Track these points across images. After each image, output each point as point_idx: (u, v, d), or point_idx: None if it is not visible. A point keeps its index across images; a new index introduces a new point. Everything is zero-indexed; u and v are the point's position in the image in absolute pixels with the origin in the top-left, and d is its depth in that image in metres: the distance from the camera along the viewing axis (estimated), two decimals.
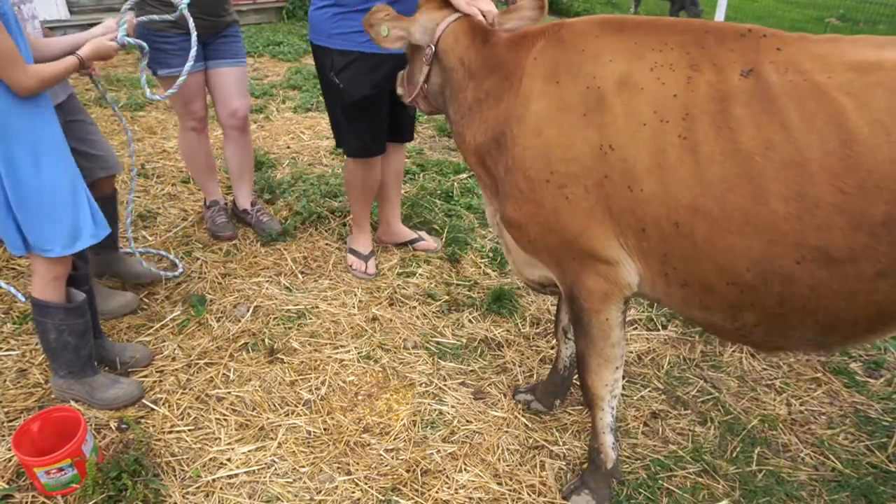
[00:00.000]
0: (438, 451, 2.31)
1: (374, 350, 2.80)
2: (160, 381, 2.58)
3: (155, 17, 2.55)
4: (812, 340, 1.66)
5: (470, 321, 3.03)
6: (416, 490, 2.16)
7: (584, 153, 1.69)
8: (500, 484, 2.19)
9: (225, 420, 2.41)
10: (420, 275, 3.35)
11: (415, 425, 2.42)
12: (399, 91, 2.42)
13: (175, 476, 2.17)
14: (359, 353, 2.77)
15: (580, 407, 2.53)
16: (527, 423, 2.46)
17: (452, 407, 2.52)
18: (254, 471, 2.21)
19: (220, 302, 3.05)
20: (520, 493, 2.16)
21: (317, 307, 3.05)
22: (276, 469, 2.22)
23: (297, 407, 2.49)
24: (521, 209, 1.87)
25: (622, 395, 2.53)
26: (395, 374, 2.68)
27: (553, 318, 3.00)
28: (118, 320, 2.90)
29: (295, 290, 3.18)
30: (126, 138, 2.63)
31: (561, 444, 2.38)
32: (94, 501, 2.03)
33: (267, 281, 3.23)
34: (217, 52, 3.25)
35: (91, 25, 2.35)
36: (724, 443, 2.40)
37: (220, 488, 2.14)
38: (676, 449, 2.36)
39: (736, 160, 1.50)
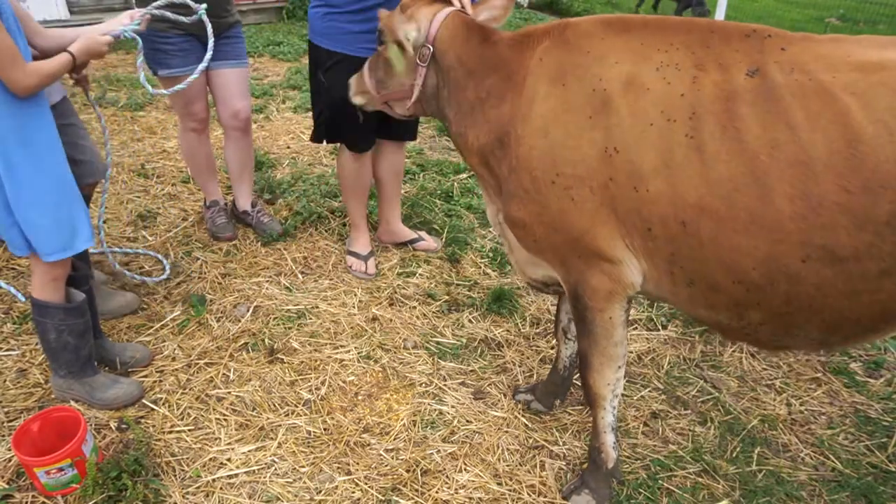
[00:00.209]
0: (438, 451, 2.31)
1: (374, 350, 2.79)
2: (160, 381, 2.58)
3: (169, 14, 2.51)
4: (816, 339, 1.66)
5: (470, 321, 3.02)
6: (416, 490, 2.16)
7: (590, 155, 1.69)
8: (500, 484, 2.19)
9: (225, 420, 2.41)
10: (420, 275, 3.34)
11: (415, 425, 2.42)
12: (358, 100, 2.29)
13: (175, 476, 2.17)
14: (359, 353, 2.77)
15: (580, 407, 2.53)
16: (527, 423, 2.46)
17: (452, 407, 2.51)
18: (254, 471, 2.21)
19: (220, 302, 3.05)
20: (520, 493, 2.16)
21: (317, 307, 3.05)
22: (276, 469, 2.22)
23: (297, 407, 2.48)
24: (525, 209, 1.87)
25: (622, 395, 2.52)
26: (395, 374, 2.67)
27: (553, 318, 3.00)
28: (118, 320, 2.89)
29: (295, 290, 3.17)
30: (104, 137, 2.62)
31: (561, 444, 2.38)
32: (94, 501, 2.02)
33: (267, 281, 3.22)
34: (219, 53, 3.23)
35: (91, 25, 2.31)
36: (724, 443, 2.40)
37: (220, 488, 2.14)
38: (676, 449, 2.36)
39: (742, 159, 1.50)
